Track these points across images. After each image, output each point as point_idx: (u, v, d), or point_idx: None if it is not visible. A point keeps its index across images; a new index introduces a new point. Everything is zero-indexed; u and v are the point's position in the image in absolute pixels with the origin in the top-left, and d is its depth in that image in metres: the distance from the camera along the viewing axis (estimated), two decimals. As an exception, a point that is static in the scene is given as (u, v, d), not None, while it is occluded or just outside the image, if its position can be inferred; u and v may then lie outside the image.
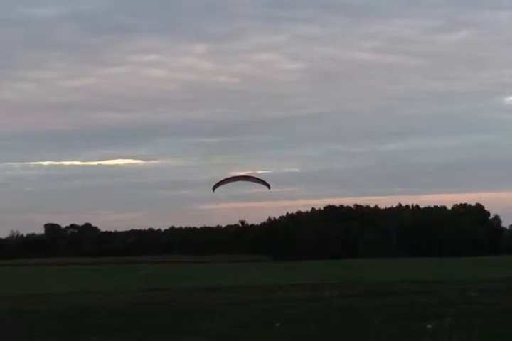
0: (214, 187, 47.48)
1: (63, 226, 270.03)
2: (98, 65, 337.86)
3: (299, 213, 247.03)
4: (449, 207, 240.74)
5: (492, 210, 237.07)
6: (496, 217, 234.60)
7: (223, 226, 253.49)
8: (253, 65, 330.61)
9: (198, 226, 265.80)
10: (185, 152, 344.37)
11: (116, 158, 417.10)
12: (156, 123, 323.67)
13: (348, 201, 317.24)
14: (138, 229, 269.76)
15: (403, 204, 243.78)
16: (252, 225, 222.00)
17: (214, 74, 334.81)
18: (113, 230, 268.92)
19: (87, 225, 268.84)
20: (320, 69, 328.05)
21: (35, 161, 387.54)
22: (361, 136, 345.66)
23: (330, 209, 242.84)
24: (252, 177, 49.17)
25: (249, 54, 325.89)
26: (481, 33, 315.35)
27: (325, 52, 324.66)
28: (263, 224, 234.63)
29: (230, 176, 49.13)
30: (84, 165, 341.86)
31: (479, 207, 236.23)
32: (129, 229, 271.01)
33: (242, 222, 60.14)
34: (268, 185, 48.21)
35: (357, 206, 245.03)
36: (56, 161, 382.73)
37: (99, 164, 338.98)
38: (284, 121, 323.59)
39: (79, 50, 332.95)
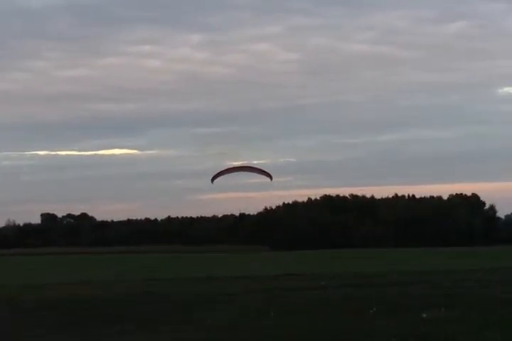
0: (213, 178, 47.19)
1: (60, 215, 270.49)
2: (94, 55, 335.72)
3: (295, 203, 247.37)
4: (445, 197, 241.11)
5: (488, 200, 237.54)
6: (492, 207, 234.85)
7: (219, 216, 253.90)
8: (248, 56, 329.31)
9: (194, 216, 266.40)
10: (181, 142, 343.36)
11: (112, 148, 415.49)
12: (151, 114, 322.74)
13: (344, 191, 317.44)
14: (134, 218, 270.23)
15: (399, 195, 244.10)
16: (248, 215, 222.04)
17: (209, 64, 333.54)
18: (109, 220, 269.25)
19: (84, 215, 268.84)
20: (315, 60, 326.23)
21: (31, 151, 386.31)
22: (357, 127, 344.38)
23: (326, 199, 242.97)
24: (254, 168, 48.86)
25: (244, 44, 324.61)
26: (477, 24, 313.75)
27: (320, 43, 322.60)
28: (259, 214, 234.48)
29: (230, 167, 48.85)
30: (80, 155, 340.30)
31: (475, 197, 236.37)
32: (125, 218, 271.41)
33: (242, 215, 59.81)
34: (270, 176, 47.94)
35: (353, 196, 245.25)
36: (52, 151, 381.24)
37: (95, 154, 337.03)
38: (279, 111, 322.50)
39: (75, 41, 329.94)
